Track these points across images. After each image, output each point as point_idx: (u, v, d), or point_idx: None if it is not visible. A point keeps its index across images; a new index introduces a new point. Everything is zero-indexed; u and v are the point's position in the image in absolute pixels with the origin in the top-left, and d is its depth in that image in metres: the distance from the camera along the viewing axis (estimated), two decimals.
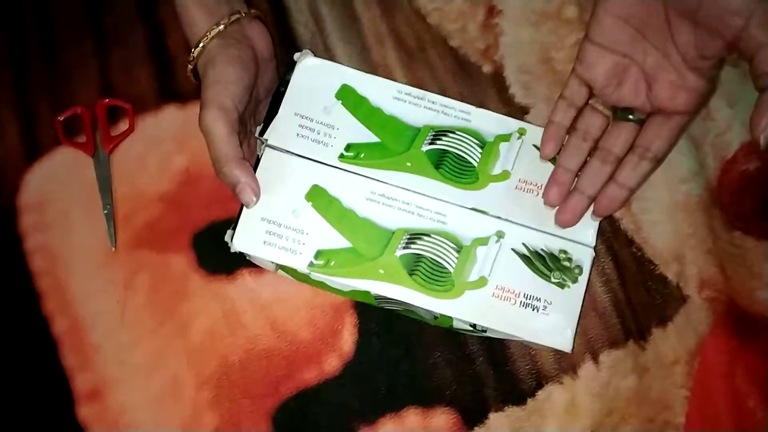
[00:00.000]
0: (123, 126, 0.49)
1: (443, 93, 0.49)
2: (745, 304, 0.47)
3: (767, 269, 0.47)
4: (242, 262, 0.45)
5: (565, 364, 0.46)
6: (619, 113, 0.41)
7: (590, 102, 0.42)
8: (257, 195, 0.40)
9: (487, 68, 0.51)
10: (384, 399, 0.45)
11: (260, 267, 0.45)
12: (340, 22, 0.52)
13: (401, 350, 0.46)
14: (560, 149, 0.43)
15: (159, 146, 0.49)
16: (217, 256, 0.46)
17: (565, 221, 0.41)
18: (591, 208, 0.43)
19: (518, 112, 0.50)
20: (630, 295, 0.47)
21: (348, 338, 0.46)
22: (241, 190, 0.40)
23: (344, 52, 0.51)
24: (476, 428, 0.44)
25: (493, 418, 0.45)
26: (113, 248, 0.47)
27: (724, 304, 0.47)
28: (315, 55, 0.44)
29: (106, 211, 0.47)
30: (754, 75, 0.35)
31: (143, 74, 0.50)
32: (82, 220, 0.47)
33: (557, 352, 0.45)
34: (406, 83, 0.50)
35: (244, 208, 0.41)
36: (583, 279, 0.41)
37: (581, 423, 0.45)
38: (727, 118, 0.50)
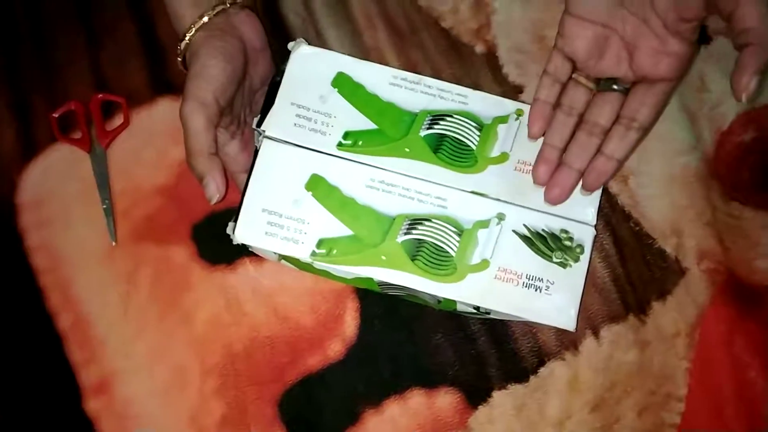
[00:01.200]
0: (118, 120, 0.49)
1: (437, 75, 0.49)
2: (744, 274, 0.47)
3: (765, 239, 0.47)
4: (242, 251, 0.44)
5: (567, 340, 0.46)
6: (603, 84, 0.41)
7: (573, 76, 0.42)
8: (221, 192, 0.41)
9: (480, 48, 0.51)
10: (388, 381, 0.45)
11: (261, 256, 0.46)
12: (330, 7, 0.51)
13: (403, 333, 0.46)
14: (551, 125, 0.42)
15: (155, 139, 0.49)
16: (217, 247, 0.46)
17: (554, 197, 0.41)
18: (580, 183, 0.42)
19: (512, 91, 0.50)
20: (629, 270, 0.47)
21: (350, 323, 0.46)
22: (205, 184, 0.40)
23: (336, 37, 0.51)
24: (480, 407, 0.45)
25: (497, 396, 0.45)
26: (113, 242, 0.47)
27: (723, 275, 0.47)
28: (309, 44, 0.44)
29: (104, 206, 0.47)
30: (734, 32, 0.35)
31: (136, 68, 0.50)
32: (81, 216, 0.47)
33: (558, 329, 0.45)
34: (399, 66, 0.49)
35: (245, 199, 0.41)
36: (584, 258, 0.41)
37: (584, 398, 0.45)
38: (723, 89, 0.49)
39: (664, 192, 0.48)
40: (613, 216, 0.48)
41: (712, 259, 0.47)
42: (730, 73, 0.34)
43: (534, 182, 0.41)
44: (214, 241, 0.46)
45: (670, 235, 0.47)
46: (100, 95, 0.49)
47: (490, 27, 0.51)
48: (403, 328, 0.46)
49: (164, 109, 0.49)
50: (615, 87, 0.41)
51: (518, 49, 0.51)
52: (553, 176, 0.41)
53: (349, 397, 0.45)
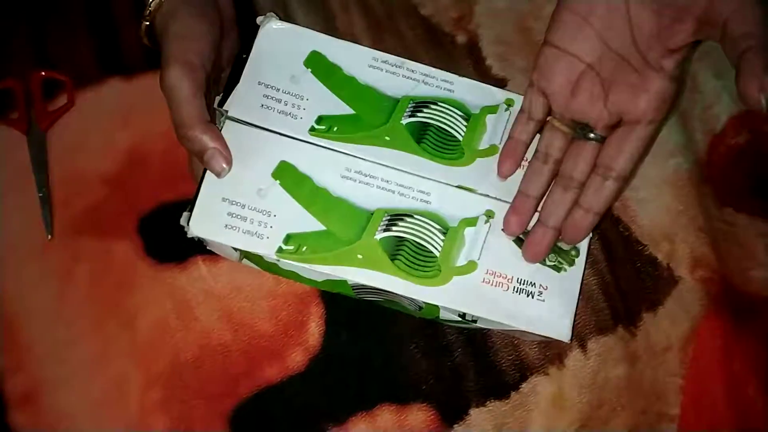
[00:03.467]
0: (61, 101, 0.44)
1: None
2: (740, 284, 0.43)
3: (761, 247, 0.44)
4: (195, 248, 0.39)
5: (551, 353, 0.42)
6: (578, 131, 0.37)
7: (548, 119, 0.38)
8: (229, 163, 0.36)
9: (461, 38, 0.47)
10: (354, 396, 0.41)
11: (216, 254, 0.41)
12: None
13: (373, 342, 0.42)
14: (525, 171, 0.38)
15: (101, 123, 0.44)
16: (166, 243, 0.42)
17: (532, 256, 0.37)
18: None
19: (495, 84, 0.45)
20: (618, 277, 0.43)
21: (314, 330, 0.41)
22: (210, 157, 0.35)
23: (306, 21, 0.47)
24: (456, 425, 0.41)
25: (474, 413, 0.41)
26: (49, 236, 0.42)
27: (718, 285, 0.43)
28: (280, 19, 0.39)
29: (41, 195, 0.42)
30: (730, 42, 0.31)
31: (83, 44, 0.45)
32: (13, 205, 0.42)
33: (542, 341, 0.42)
34: None
35: (203, 186, 0.36)
36: (580, 261, 0.37)
37: (569, 417, 0.41)
38: (715, 90, 0.46)
39: (656, 195, 0.44)
40: (601, 220, 0.44)
41: (706, 268, 0.43)
42: (736, 83, 0.31)
43: (505, 232, 0.37)
44: (163, 237, 0.41)
45: (661, 241, 0.44)
46: (43, 73, 0.45)
47: (472, 16, 0.48)
48: (372, 337, 0.42)
49: (113, 90, 0.45)
50: (591, 135, 0.37)
51: (501, 40, 0.47)
52: (530, 235, 0.37)
53: (311, 413, 0.40)
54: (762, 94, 0.30)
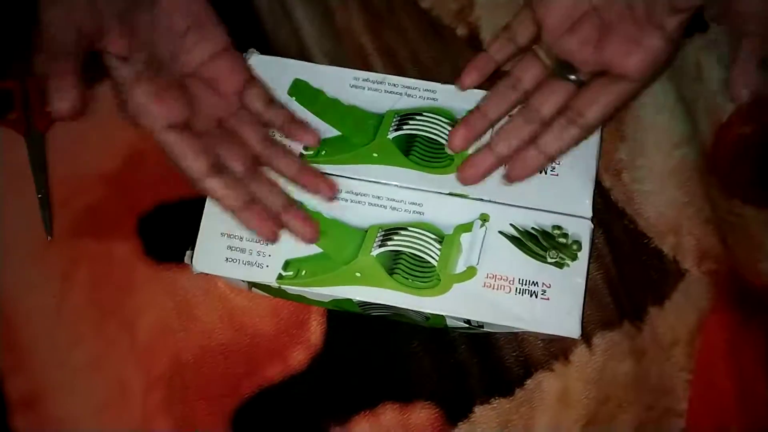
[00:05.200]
0: None
1: (415, 58, 0.45)
2: (749, 276, 0.42)
3: None
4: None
5: (556, 349, 0.40)
6: (559, 69, 0.35)
7: (533, 47, 0.36)
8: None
9: (461, 31, 0.46)
10: (357, 395, 0.40)
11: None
12: None
13: (375, 340, 0.41)
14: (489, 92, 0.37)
15: (99, 123, 0.43)
16: (165, 243, 0.41)
17: (465, 177, 0.36)
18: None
19: (496, 75, 0.45)
20: (623, 271, 0.42)
21: (316, 329, 0.40)
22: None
23: (305, 16, 0.45)
24: (460, 424, 0.39)
25: (479, 411, 0.40)
26: (49, 237, 0.41)
27: (726, 278, 0.41)
28: (260, 53, 0.40)
29: (40, 196, 0.41)
30: (730, 18, 0.30)
31: None
32: (12, 206, 0.42)
33: (547, 337, 0.40)
34: (373, 49, 0.45)
35: (203, 223, 0.37)
36: (583, 255, 0.36)
37: (575, 413, 0.40)
38: (720, 78, 0.45)
39: (661, 187, 0.43)
40: (605, 213, 0.43)
41: (713, 261, 0.42)
42: (729, 66, 0.30)
43: (447, 145, 0.37)
44: (163, 237, 0.41)
45: (667, 233, 0.42)
46: None
47: (472, 8, 0.46)
48: (374, 335, 0.41)
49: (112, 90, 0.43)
50: (571, 77, 0.35)
51: None
52: (472, 155, 0.36)
53: (313, 412, 0.40)
54: (746, 88, 0.30)
